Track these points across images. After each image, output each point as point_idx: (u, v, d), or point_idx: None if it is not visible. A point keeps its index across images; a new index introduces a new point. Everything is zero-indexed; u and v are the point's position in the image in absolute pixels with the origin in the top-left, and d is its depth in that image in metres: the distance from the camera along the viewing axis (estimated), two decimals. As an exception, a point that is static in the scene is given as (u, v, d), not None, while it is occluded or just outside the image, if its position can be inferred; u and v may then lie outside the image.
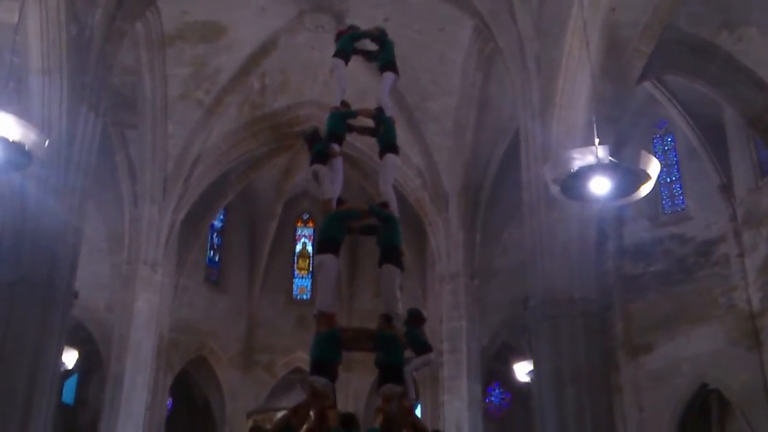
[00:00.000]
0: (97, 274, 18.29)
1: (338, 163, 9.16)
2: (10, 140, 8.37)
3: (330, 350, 7.35)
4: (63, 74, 11.91)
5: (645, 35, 12.66)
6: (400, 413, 6.94)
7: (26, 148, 8.58)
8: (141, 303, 17.66)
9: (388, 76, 9.89)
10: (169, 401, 21.14)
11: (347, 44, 10.10)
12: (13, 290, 11.06)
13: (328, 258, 8.18)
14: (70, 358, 16.00)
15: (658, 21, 12.64)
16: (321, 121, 9.83)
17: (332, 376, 7.23)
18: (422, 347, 8.15)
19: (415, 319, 8.27)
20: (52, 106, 11.82)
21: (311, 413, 6.88)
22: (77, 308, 13.37)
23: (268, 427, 16.54)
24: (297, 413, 6.77)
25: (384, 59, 10.06)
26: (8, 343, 10.79)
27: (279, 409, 16.42)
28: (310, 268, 24.15)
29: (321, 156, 9.09)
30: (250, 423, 18.26)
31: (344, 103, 9.52)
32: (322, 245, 8.39)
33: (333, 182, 8.99)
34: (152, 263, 18.06)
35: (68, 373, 19.19)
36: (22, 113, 10.04)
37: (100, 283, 18.60)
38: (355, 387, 21.24)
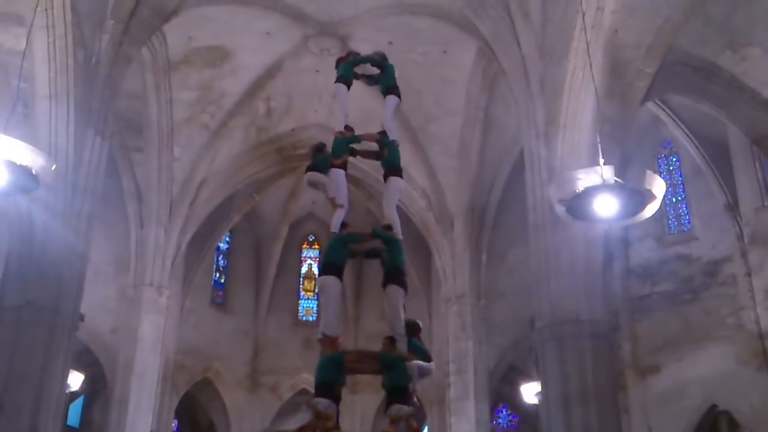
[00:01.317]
0: (103, 297, 18.31)
1: (341, 176, 9.18)
2: (18, 164, 8.44)
3: (333, 373, 7.37)
4: (70, 99, 12.02)
5: (648, 56, 12.74)
6: (409, 434, 6.92)
7: (33, 172, 8.64)
8: (146, 325, 17.68)
9: (391, 99, 9.95)
10: (174, 424, 21.06)
11: (348, 70, 10.17)
12: (19, 314, 11.11)
13: (331, 281, 8.20)
14: (75, 380, 15.99)
15: (661, 42, 12.71)
16: (326, 144, 9.86)
17: (336, 398, 7.23)
18: (424, 357, 8.16)
19: (412, 329, 8.29)
20: (59, 130, 11.92)
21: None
22: (83, 331, 13.39)
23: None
24: (301, 434, 6.76)
25: (386, 83, 10.12)
26: (15, 366, 10.83)
27: (285, 431, 16.37)
28: (316, 290, 24.12)
29: (318, 167, 9.15)
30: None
31: (348, 128, 9.57)
32: (325, 268, 8.42)
33: (338, 188, 9.03)
34: (158, 285, 18.10)
35: (74, 395, 19.17)
36: (30, 138, 10.14)
37: (105, 306, 18.61)
38: (361, 409, 21.16)
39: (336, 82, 10.07)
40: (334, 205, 8.97)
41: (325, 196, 9.32)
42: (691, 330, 16.84)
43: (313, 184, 9.29)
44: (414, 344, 8.15)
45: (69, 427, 20.55)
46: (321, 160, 9.22)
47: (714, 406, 16.54)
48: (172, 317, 19.25)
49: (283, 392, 22.61)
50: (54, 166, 9.26)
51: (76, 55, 12.03)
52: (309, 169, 9.27)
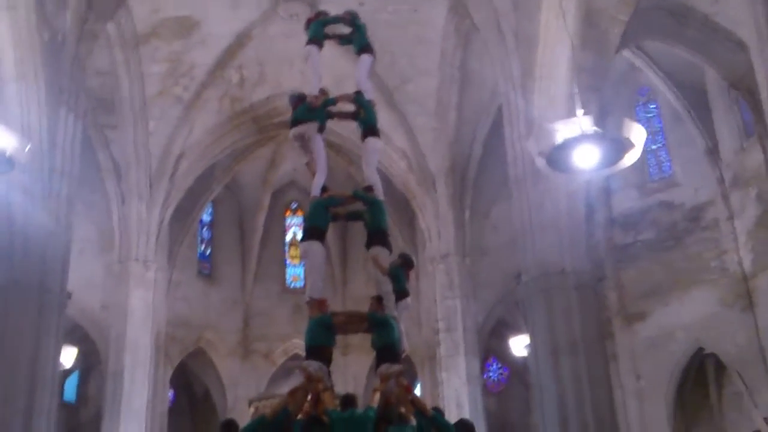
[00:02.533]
0: (89, 273, 18.28)
1: (318, 140, 9.07)
2: (-10, 147, 8.34)
3: (322, 335, 7.41)
4: (39, 79, 11.83)
5: (622, 2, 12.62)
6: (399, 391, 6.97)
7: (7, 154, 8.55)
8: (135, 300, 17.69)
9: (365, 58, 9.82)
10: (170, 393, 21.20)
11: (318, 30, 9.98)
12: (6, 294, 11.08)
13: (313, 245, 8.18)
14: (69, 356, 15.99)
15: (634, -13, 12.60)
16: (306, 94, 9.64)
17: (326, 360, 7.27)
18: (402, 289, 8.11)
19: (405, 262, 8.30)
20: (31, 111, 11.76)
21: (308, 397, 6.91)
22: (72, 308, 13.40)
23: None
24: (294, 397, 6.78)
25: (359, 42, 9.98)
26: (6, 345, 10.86)
27: (280, 396, 16.44)
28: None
29: (300, 121, 9.02)
30: (251, 410, 18.29)
31: (322, 91, 9.42)
32: (307, 233, 8.39)
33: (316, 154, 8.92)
34: (144, 260, 18.07)
35: (69, 371, 19.22)
36: (1, 120, 9.99)
37: (92, 283, 18.60)
38: (353, 370, 21.39)
39: (307, 44, 9.89)
40: (311, 169, 8.90)
41: (305, 161, 9.20)
42: (676, 276, 16.99)
43: (298, 137, 9.08)
44: (398, 273, 8.09)
45: (65, 402, 20.64)
46: (300, 112, 9.06)
47: (701, 349, 16.76)
48: (160, 290, 19.23)
49: (275, 358, 22.79)
50: (28, 146, 9.16)
51: (41, 33, 11.80)
52: (292, 124, 9.12)
